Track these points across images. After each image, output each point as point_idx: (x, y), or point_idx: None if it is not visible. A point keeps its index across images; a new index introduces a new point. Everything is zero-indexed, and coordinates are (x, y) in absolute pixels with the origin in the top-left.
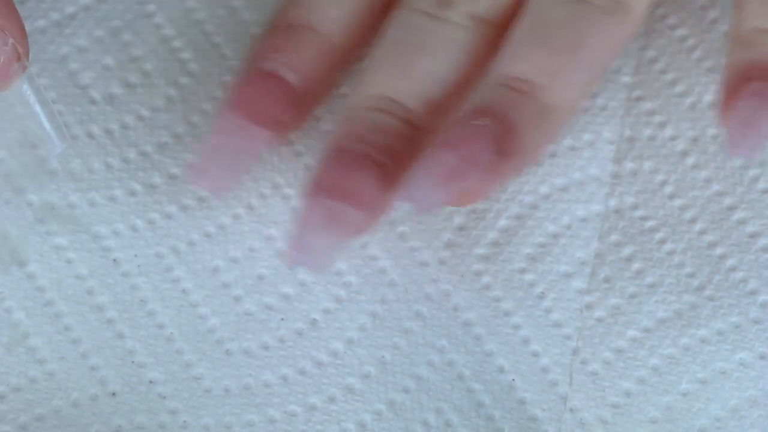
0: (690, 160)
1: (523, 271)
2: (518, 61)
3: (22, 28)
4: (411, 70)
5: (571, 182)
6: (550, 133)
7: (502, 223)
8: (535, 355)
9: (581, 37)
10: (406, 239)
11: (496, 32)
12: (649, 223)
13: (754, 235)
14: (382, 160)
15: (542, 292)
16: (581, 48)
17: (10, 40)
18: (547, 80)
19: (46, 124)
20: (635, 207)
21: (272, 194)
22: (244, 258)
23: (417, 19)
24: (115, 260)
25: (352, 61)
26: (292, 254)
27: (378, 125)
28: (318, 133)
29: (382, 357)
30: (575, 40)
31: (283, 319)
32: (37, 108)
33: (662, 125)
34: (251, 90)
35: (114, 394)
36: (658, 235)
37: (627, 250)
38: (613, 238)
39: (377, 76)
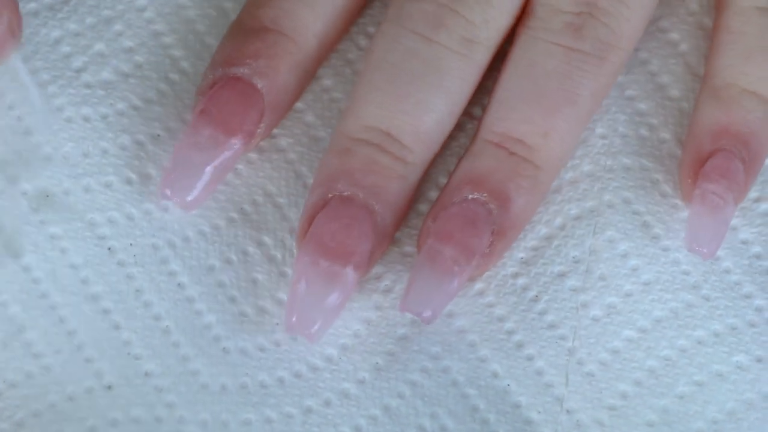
0: None
1: (516, 275)
2: (512, 119)
3: (15, 2)
4: (406, 102)
5: (563, 182)
6: (542, 195)
7: None
8: (530, 359)
9: (576, 90)
10: (400, 245)
11: (491, 56)
12: (644, 218)
13: (746, 243)
14: (378, 209)
15: (536, 295)
16: (576, 103)
17: (6, 15)
18: (542, 141)
19: (37, 100)
20: (629, 201)
21: (264, 202)
22: (238, 261)
23: (411, 42)
24: (110, 249)
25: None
26: (289, 322)
27: (373, 165)
28: (309, 140)
29: (377, 363)
30: (570, 95)
31: (278, 323)
32: (27, 81)
33: (653, 127)
34: (223, 98)
35: (110, 387)
36: (653, 231)
37: (622, 246)
38: (608, 233)
39: (371, 106)
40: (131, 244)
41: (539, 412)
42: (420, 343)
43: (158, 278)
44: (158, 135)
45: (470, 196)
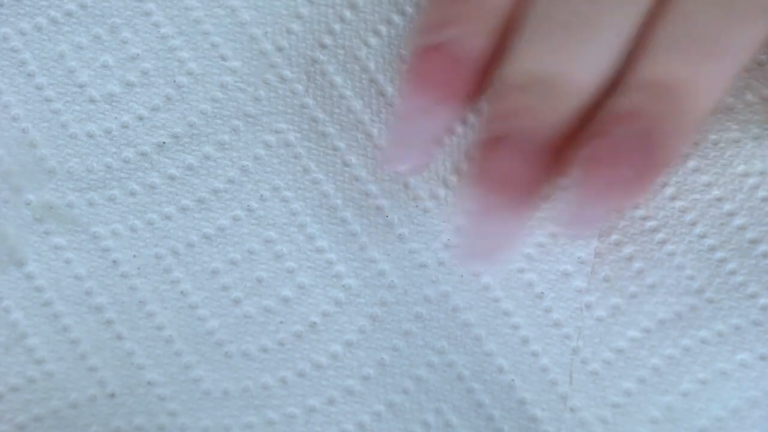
0: (691, 164)
1: (522, 270)
2: (669, 63)
3: None
4: (564, 52)
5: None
6: (689, 138)
7: None
8: (535, 354)
9: (733, 43)
10: (405, 241)
11: (650, 9)
12: (650, 224)
13: (754, 242)
14: (535, 150)
15: (542, 292)
16: (731, 55)
17: None
18: (694, 87)
19: None
20: (636, 207)
21: (271, 197)
22: (243, 260)
23: None
24: (114, 261)
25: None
26: (465, 248)
27: (535, 108)
28: (317, 136)
29: (382, 359)
30: (727, 46)
31: (282, 322)
32: None
33: None
34: (430, 67)
35: (113, 395)
36: (659, 236)
37: (627, 250)
38: (614, 237)
39: (530, 55)
40: (134, 256)
41: (543, 410)
42: (425, 337)
43: (161, 287)
44: (164, 143)
45: (617, 131)
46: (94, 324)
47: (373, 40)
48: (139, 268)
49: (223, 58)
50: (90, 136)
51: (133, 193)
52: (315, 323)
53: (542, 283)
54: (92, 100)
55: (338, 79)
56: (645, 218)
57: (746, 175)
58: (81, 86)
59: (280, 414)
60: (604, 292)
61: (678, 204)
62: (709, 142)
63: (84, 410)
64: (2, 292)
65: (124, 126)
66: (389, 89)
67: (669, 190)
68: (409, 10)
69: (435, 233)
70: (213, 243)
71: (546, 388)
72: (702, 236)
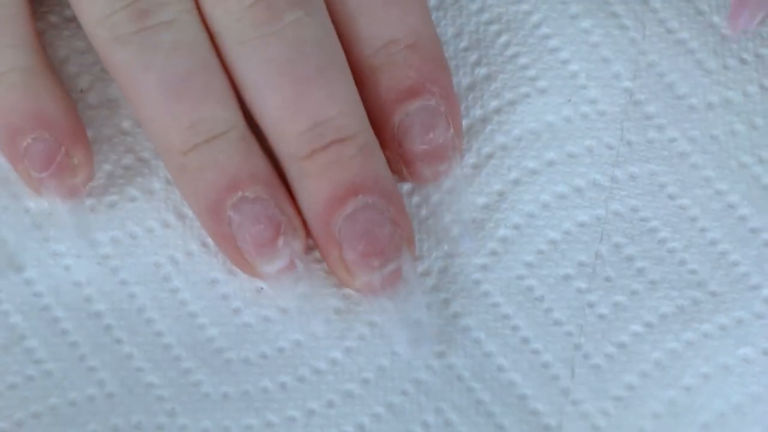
0: (690, 161)
1: (521, 277)
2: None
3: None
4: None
5: (572, 189)
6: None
7: (502, 232)
8: (536, 352)
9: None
10: None
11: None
12: (651, 224)
13: (755, 231)
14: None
15: (542, 295)
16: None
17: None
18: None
19: None
20: (636, 209)
21: None
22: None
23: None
24: (112, 268)
25: None
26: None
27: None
28: None
29: (381, 364)
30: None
31: (282, 330)
32: None
33: (662, 128)
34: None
35: (111, 394)
36: (660, 235)
37: (628, 250)
38: (615, 240)
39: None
40: (134, 264)
41: (545, 404)
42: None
43: (160, 296)
44: None
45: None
46: (94, 329)
47: None
48: (138, 276)
49: None
50: (90, 141)
51: (133, 199)
52: (315, 332)
53: (542, 287)
54: (93, 106)
55: None
56: (645, 219)
57: (747, 165)
58: (82, 92)
59: (279, 416)
60: (606, 291)
61: (679, 201)
62: (709, 137)
63: (82, 408)
64: (1, 296)
65: (124, 132)
66: None
67: (669, 189)
68: None
69: (435, 242)
70: (212, 252)
71: (547, 382)
72: (704, 230)
